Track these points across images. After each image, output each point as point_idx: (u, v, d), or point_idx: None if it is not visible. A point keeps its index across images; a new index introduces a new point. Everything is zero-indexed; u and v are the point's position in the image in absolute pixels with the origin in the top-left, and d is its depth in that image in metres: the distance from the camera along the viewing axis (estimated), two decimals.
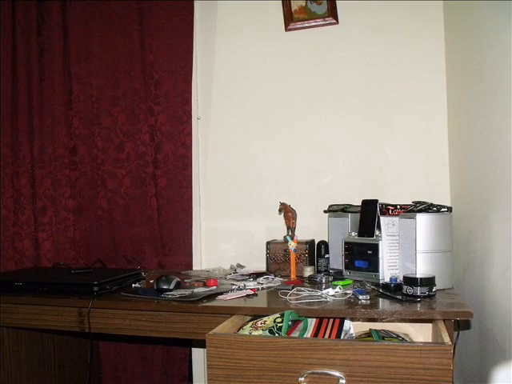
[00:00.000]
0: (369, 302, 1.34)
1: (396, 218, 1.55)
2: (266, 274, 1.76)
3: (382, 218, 1.57)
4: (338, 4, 1.99)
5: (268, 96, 2.10)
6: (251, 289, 1.54)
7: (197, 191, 2.16)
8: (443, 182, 1.90)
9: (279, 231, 1.97)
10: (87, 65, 2.16)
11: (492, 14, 1.33)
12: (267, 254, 1.86)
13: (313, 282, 1.62)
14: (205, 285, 1.62)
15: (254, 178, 2.12)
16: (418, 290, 1.34)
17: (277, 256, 1.84)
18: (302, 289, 1.48)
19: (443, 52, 1.90)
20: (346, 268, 1.67)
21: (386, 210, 1.60)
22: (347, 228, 1.74)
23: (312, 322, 1.36)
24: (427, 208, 1.49)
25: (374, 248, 1.56)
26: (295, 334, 1.27)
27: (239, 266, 1.95)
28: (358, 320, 1.41)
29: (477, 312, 1.39)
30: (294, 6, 2.03)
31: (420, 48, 1.92)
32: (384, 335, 1.32)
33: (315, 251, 1.82)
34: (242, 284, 1.61)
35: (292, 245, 1.73)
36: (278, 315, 1.25)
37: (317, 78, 2.04)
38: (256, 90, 2.12)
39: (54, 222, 2.18)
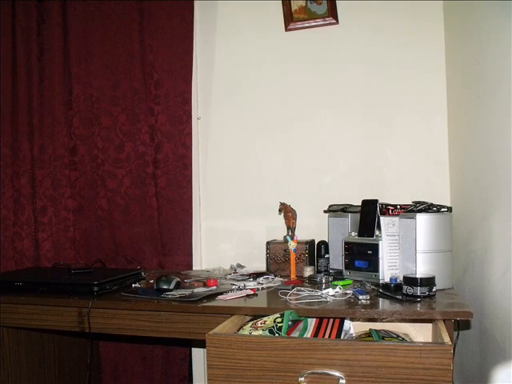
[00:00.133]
0: (369, 301, 1.34)
1: (396, 218, 1.55)
2: (266, 274, 1.76)
3: (381, 218, 1.57)
4: (338, 4, 1.99)
5: (268, 96, 2.10)
6: (251, 289, 1.54)
7: (197, 191, 2.16)
8: (443, 182, 1.90)
9: (279, 231, 1.97)
10: (87, 65, 2.16)
11: (492, 14, 1.33)
12: (267, 253, 1.86)
13: (313, 282, 1.62)
14: (205, 285, 1.62)
15: (253, 178, 2.12)
16: (418, 290, 1.34)
17: (277, 256, 1.84)
18: (302, 289, 1.48)
19: (443, 52, 1.90)
20: (345, 268, 1.67)
21: (386, 209, 1.60)
22: (347, 228, 1.74)
23: (312, 322, 1.36)
24: (427, 208, 1.49)
25: (374, 248, 1.56)
26: (295, 334, 1.27)
27: (239, 266, 1.95)
28: (358, 320, 1.41)
29: (477, 312, 1.39)
30: (294, 6, 2.03)
31: (420, 48, 1.92)
32: (384, 335, 1.32)
33: (315, 251, 1.82)
34: (241, 284, 1.61)
35: (292, 245, 1.73)
36: (278, 315, 1.25)
37: (317, 78, 2.04)
38: (256, 89, 2.12)
39: (53, 221, 2.18)
